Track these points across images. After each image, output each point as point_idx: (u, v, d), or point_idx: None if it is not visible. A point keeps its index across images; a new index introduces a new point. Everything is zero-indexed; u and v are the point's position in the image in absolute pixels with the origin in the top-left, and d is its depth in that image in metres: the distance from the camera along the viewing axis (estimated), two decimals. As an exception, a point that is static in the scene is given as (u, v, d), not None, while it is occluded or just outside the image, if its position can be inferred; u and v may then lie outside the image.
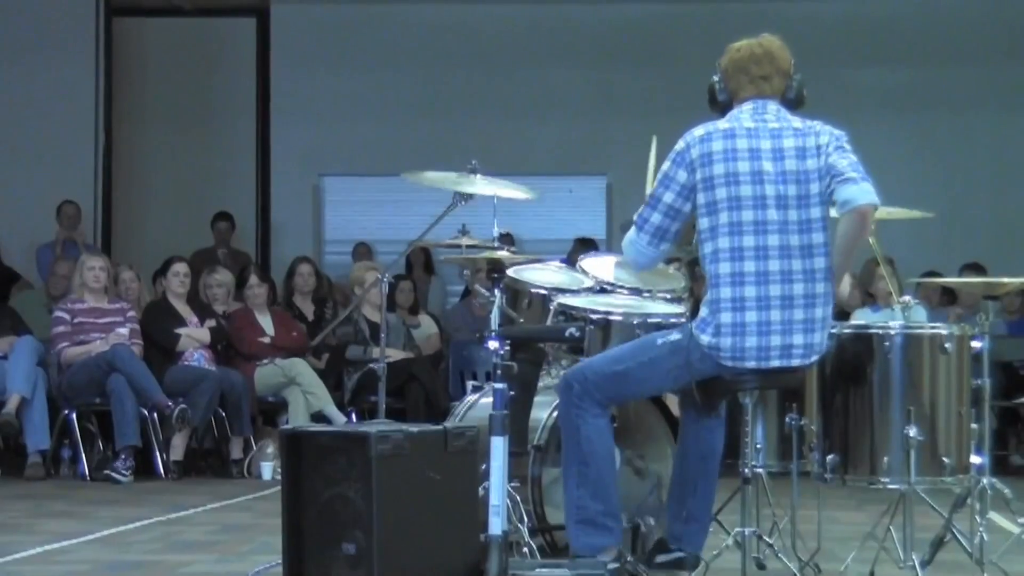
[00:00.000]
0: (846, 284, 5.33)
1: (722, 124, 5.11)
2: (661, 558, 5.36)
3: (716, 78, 5.23)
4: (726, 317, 4.99)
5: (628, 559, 5.20)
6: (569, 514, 5.20)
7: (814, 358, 5.11)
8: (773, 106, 5.14)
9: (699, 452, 5.33)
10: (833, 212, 5.08)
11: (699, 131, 5.11)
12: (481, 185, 5.96)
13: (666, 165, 5.12)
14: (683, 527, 5.35)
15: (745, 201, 5.01)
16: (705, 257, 5.06)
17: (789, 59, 5.19)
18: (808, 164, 5.05)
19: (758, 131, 5.07)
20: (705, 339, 5.01)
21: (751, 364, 5.01)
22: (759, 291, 4.99)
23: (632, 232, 5.19)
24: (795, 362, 5.06)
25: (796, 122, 5.12)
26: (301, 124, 14.21)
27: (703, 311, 5.07)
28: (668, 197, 5.09)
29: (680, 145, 5.12)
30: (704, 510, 5.38)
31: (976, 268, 11.13)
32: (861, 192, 4.96)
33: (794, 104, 5.21)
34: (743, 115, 5.12)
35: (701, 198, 5.05)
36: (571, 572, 4.93)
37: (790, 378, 5.22)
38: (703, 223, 5.06)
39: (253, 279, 11.23)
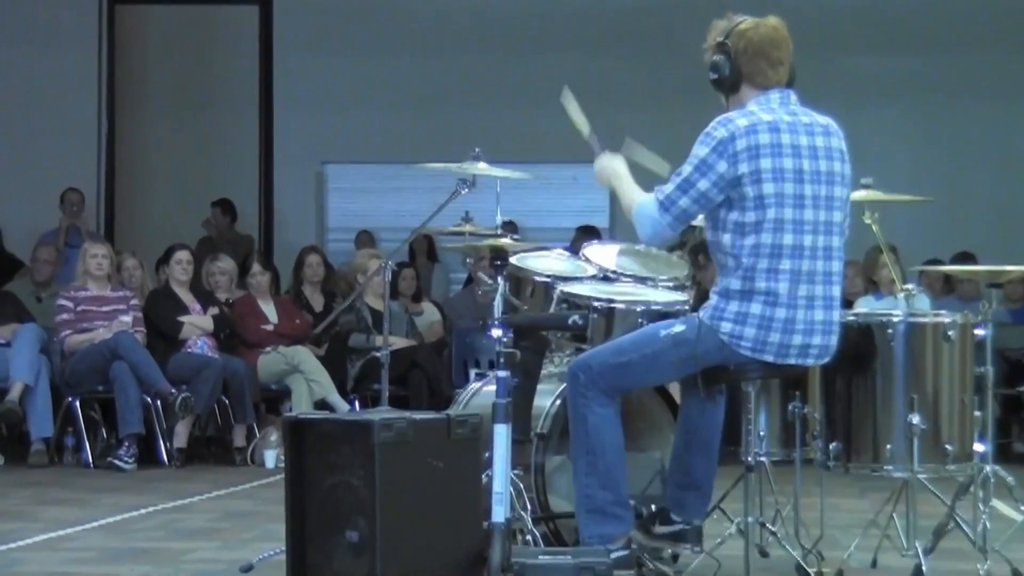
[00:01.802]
0: None
1: (764, 116, 4.99)
2: (661, 529, 5.34)
3: (719, 57, 5.09)
4: (756, 308, 4.94)
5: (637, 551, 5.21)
6: (579, 504, 5.19)
7: (826, 359, 5.13)
8: (794, 96, 5.09)
9: (700, 424, 5.30)
10: None
11: (743, 121, 4.97)
12: (482, 167, 5.94)
13: (703, 151, 4.96)
14: (684, 494, 5.33)
15: (787, 199, 4.95)
16: (741, 248, 4.96)
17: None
18: (835, 167, 5.04)
19: (795, 126, 5.00)
20: (726, 326, 4.96)
21: (768, 358, 4.99)
22: (791, 289, 4.95)
23: (653, 207, 5.04)
24: (810, 362, 5.08)
25: (819, 117, 5.08)
26: (304, 111, 14.20)
27: (717, 300, 5.01)
28: (703, 185, 4.95)
29: (722, 133, 4.96)
30: (707, 478, 5.36)
31: (968, 257, 11.12)
32: None
33: (788, 85, 5.17)
34: (774, 105, 5.04)
35: (748, 191, 4.92)
36: (574, 560, 4.93)
37: (793, 370, 5.22)
38: (749, 216, 4.94)
39: (256, 267, 11.23)
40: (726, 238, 5.01)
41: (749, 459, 5.24)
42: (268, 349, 10.78)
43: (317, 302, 11.62)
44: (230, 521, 7.31)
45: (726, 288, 5.00)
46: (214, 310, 10.80)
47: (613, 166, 5.37)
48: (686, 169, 5.00)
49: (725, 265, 5.05)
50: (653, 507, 5.49)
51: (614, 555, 5.01)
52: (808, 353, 5.03)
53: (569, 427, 5.30)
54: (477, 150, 5.99)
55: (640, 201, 5.14)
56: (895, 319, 5.56)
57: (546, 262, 5.87)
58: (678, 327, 5.08)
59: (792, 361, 5.02)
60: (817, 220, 5.00)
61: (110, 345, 10.10)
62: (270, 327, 10.93)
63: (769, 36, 5.08)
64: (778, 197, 4.95)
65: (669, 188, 5.03)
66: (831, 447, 5.57)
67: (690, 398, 5.37)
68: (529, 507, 5.53)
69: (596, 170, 5.47)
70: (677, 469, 5.40)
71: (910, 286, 6.01)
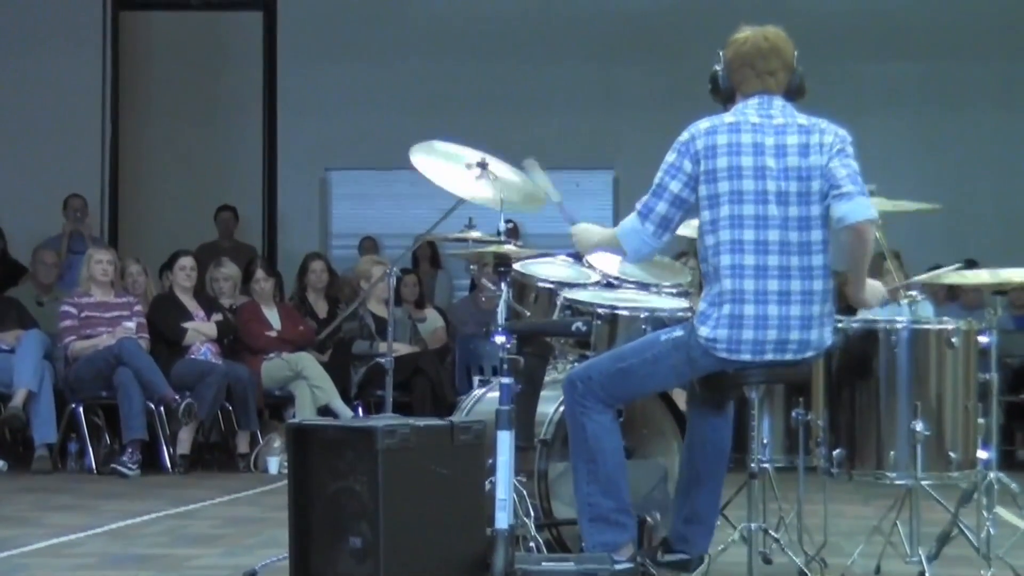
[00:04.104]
0: (875, 293, 5.32)
1: (728, 118, 5.09)
2: (667, 558, 5.36)
3: (719, 67, 5.18)
4: (726, 309, 4.98)
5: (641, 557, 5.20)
6: (582, 512, 5.19)
7: (810, 354, 5.09)
8: (779, 102, 5.12)
9: (706, 452, 5.32)
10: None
11: (704, 124, 5.09)
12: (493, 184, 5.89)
13: (671, 156, 5.08)
14: (687, 528, 5.34)
15: (747, 195, 4.99)
16: (707, 249, 5.05)
17: (793, 52, 5.16)
18: (811, 161, 5.04)
19: (763, 126, 5.05)
20: (705, 331, 4.99)
21: (746, 357, 5.00)
22: (757, 285, 4.98)
23: (634, 221, 5.13)
24: (788, 356, 5.04)
25: (801, 118, 5.11)
26: (308, 118, 14.20)
27: (702, 304, 5.05)
28: (675, 187, 5.05)
29: (685, 136, 5.09)
30: (710, 510, 5.38)
31: (972, 265, 11.09)
32: (855, 209, 4.94)
33: (795, 95, 5.18)
34: (748, 110, 5.10)
35: (703, 190, 5.03)
36: (577, 567, 4.93)
37: (795, 373, 5.21)
38: (704, 216, 5.04)
39: (259, 273, 11.24)
40: (704, 240, 5.08)
41: (753, 466, 5.24)
42: (272, 355, 10.79)
43: (321, 308, 11.63)
44: (233, 527, 7.31)
45: (711, 294, 5.03)
46: (218, 316, 10.81)
47: (586, 228, 5.47)
48: (658, 176, 5.11)
49: (707, 272, 5.09)
50: (657, 514, 5.50)
51: (619, 566, 5.00)
52: (786, 348, 5.02)
53: (567, 431, 5.30)
54: (483, 157, 5.97)
55: (621, 223, 5.23)
56: (899, 326, 5.56)
57: (550, 268, 5.87)
58: (677, 331, 5.13)
59: (770, 357, 5.01)
60: (786, 216, 5.00)
61: (114, 351, 10.11)
62: (274, 333, 10.94)
63: (758, 47, 5.12)
64: (735, 194, 4.99)
65: (646, 197, 5.13)
66: (834, 454, 5.56)
67: (695, 422, 5.37)
68: (532, 513, 5.52)
69: (575, 240, 5.52)
70: (681, 502, 5.40)
71: (914, 293, 6.00)
